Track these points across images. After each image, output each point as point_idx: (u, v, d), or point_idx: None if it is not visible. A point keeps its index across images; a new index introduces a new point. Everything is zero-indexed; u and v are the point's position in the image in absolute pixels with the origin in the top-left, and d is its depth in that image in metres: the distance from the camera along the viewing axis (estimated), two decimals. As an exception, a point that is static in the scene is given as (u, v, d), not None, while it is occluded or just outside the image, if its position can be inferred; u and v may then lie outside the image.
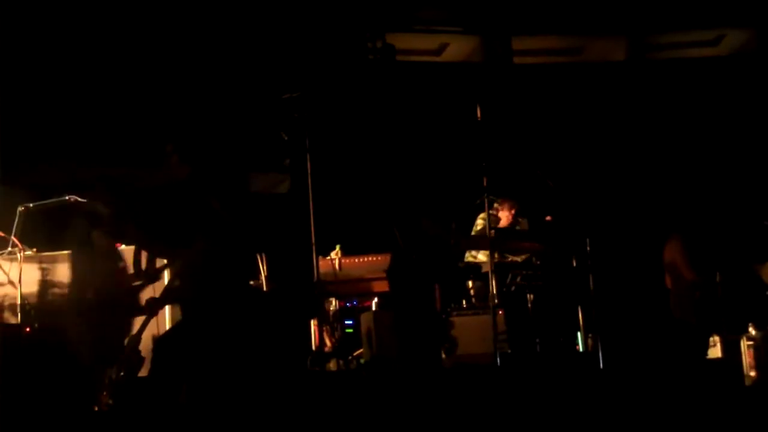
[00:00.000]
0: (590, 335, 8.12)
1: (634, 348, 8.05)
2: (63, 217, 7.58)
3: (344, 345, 7.91)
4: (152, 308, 5.85)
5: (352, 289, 8.30)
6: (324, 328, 7.70)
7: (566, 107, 10.83)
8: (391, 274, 8.28)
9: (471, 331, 7.64)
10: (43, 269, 7.24)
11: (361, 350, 7.80)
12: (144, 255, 6.11)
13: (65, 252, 7.37)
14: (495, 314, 7.10)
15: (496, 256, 8.65)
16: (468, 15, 10.90)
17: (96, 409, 5.82)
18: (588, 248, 7.57)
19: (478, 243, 8.60)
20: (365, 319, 7.75)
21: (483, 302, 8.09)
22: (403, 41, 10.66)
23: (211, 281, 5.76)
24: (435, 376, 6.48)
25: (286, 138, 7.75)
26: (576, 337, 8.34)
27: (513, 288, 8.37)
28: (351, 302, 8.29)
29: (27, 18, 9.11)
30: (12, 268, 7.14)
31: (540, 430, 5.88)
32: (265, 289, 7.92)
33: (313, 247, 7.21)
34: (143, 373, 6.64)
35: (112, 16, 9.36)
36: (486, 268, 8.56)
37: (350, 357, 7.82)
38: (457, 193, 9.97)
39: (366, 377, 6.89)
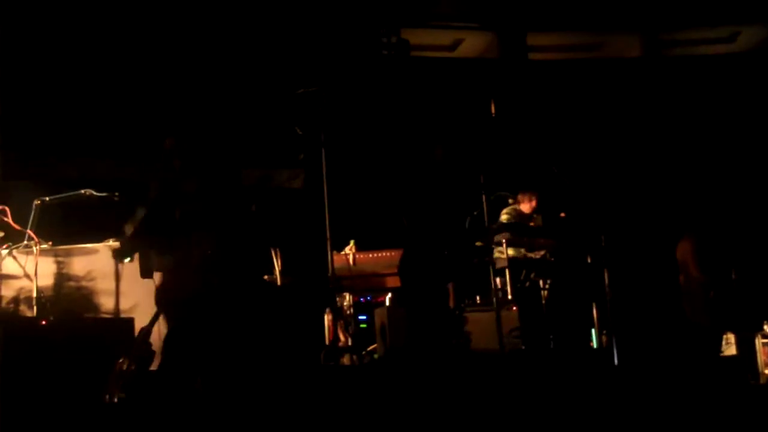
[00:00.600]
0: (604, 332, 8.11)
1: (648, 345, 8.03)
2: (79, 211, 7.62)
3: (358, 340, 7.91)
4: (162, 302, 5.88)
5: (366, 284, 8.29)
6: (338, 323, 7.69)
7: (581, 104, 10.80)
8: (402, 270, 8.28)
9: (485, 326, 7.62)
10: (58, 262, 7.26)
11: (375, 345, 7.79)
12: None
13: (80, 245, 7.41)
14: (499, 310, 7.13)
15: (522, 251, 8.71)
16: (483, 11, 10.89)
17: (107, 401, 5.83)
18: (603, 245, 7.56)
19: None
20: (379, 314, 7.74)
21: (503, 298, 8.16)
22: (417, 37, 10.66)
23: (220, 275, 5.78)
24: (447, 372, 6.47)
25: (300, 133, 7.76)
26: (590, 334, 8.33)
27: (527, 284, 8.37)
28: (365, 297, 8.28)
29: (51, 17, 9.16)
30: (28, 262, 7.16)
31: (554, 427, 5.87)
32: (279, 283, 7.92)
33: (328, 242, 7.23)
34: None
35: (129, 10, 9.39)
36: (500, 265, 8.58)
37: (364, 352, 7.82)
38: (471, 188, 9.97)
39: (379, 372, 6.89)
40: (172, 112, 9.41)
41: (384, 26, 10.37)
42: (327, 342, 7.65)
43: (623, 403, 6.15)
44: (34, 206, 7.29)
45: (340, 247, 8.30)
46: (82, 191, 7.48)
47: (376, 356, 7.69)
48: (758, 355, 8.10)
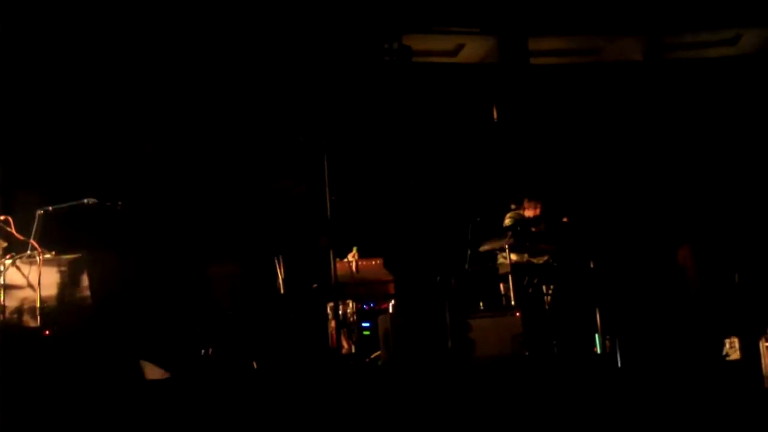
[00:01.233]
0: (608, 337, 8.10)
1: (652, 350, 8.02)
2: (82, 220, 7.63)
3: (362, 347, 7.91)
4: None
5: (369, 291, 8.30)
6: (341, 331, 7.70)
7: (583, 108, 10.80)
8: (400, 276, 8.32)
9: (488, 333, 7.62)
10: (62, 272, 7.26)
11: (379, 352, 7.79)
12: None
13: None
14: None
15: (525, 257, 8.72)
16: (484, 15, 10.88)
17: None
18: (605, 250, 7.56)
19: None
20: (382, 321, 7.74)
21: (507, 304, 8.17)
22: (419, 42, 10.66)
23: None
24: (451, 378, 6.48)
25: (302, 140, 7.77)
26: (594, 339, 8.32)
27: (530, 290, 8.37)
28: (368, 304, 8.28)
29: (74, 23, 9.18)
30: (31, 272, 7.15)
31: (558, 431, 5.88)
32: (282, 291, 7.94)
33: (331, 250, 7.23)
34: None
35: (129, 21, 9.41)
36: (503, 270, 8.58)
37: (367, 359, 7.82)
38: (474, 193, 9.99)
39: (383, 378, 6.89)
40: (172, 117, 9.45)
41: (386, 32, 10.37)
42: (330, 349, 7.66)
43: (627, 408, 6.15)
44: (36, 216, 7.29)
45: (343, 255, 8.31)
46: (85, 200, 7.48)
47: (379, 363, 7.69)
48: (762, 359, 8.07)
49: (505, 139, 10.66)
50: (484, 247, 8.67)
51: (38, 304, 6.95)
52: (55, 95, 9.20)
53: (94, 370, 6.05)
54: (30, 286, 7.15)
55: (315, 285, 8.18)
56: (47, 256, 7.21)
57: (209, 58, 9.71)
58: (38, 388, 5.91)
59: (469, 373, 6.81)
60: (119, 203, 7.60)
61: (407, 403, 5.96)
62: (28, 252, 7.16)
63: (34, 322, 7.00)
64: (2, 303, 7.08)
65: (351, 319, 8.10)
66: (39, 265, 7.04)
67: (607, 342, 8.11)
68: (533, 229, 8.93)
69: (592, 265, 8.17)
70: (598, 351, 8.22)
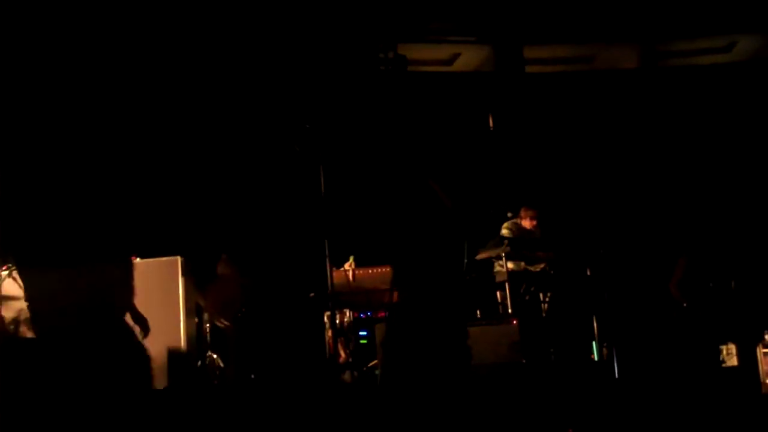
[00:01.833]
0: (605, 344, 8.11)
1: (649, 357, 8.02)
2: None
3: (358, 356, 7.90)
4: None
5: (366, 300, 8.30)
6: (338, 340, 7.70)
7: (579, 116, 10.82)
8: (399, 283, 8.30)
9: (485, 341, 7.62)
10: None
11: (376, 361, 7.78)
12: None
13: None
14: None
15: (521, 265, 8.73)
16: (479, 24, 10.90)
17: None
18: (602, 257, 7.57)
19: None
20: (379, 330, 7.73)
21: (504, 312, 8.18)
22: (414, 52, 10.66)
23: None
24: (449, 386, 6.47)
25: (298, 149, 7.77)
26: (591, 347, 8.33)
27: (527, 298, 8.38)
28: (365, 313, 8.28)
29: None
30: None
31: (556, 440, 5.87)
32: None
33: (327, 258, 7.23)
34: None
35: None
36: (500, 278, 8.59)
37: (365, 368, 7.82)
38: (471, 202, 9.98)
39: (380, 388, 6.89)
40: (167, 124, 9.46)
41: (381, 42, 10.38)
42: (327, 358, 7.66)
43: (624, 416, 6.15)
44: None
45: (340, 263, 8.31)
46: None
47: (377, 372, 7.68)
48: (760, 365, 8.08)
49: (501, 147, 10.67)
50: (481, 256, 8.69)
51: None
52: (53, 99, 9.19)
53: (92, 379, 6.03)
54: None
55: (312, 294, 8.18)
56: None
57: (204, 68, 9.72)
58: (35, 398, 5.89)
59: (466, 381, 6.82)
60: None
61: (404, 412, 5.95)
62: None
63: (31, 334, 6.97)
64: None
65: (348, 328, 8.10)
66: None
67: (605, 349, 8.12)
68: (530, 237, 8.97)
69: (588, 273, 8.18)
70: (595, 358, 8.23)
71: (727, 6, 10.66)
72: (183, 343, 7.09)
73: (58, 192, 7.08)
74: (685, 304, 8.47)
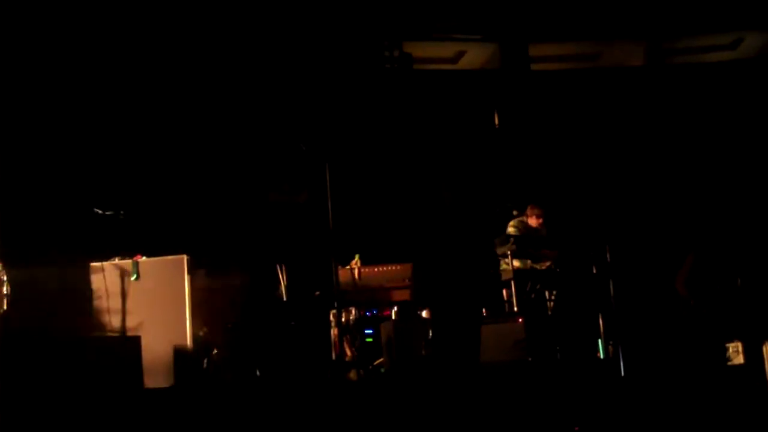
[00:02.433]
0: (611, 342, 8.10)
1: (656, 355, 8.01)
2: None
3: (364, 354, 7.91)
4: None
5: (372, 298, 8.31)
6: (344, 338, 7.70)
7: (585, 113, 10.80)
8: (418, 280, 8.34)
9: (492, 339, 7.63)
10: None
11: (381, 359, 7.79)
12: None
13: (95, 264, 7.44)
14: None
15: (527, 263, 8.73)
16: (485, 22, 10.89)
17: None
18: (608, 255, 7.57)
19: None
20: (385, 328, 7.74)
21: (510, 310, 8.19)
22: (420, 50, 10.68)
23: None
24: (454, 384, 6.48)
25: (304, 148, 7.78)
26: (597, 345, 8.32)
27: (533, 296, 8.38)
28: (371, 311, 8.28)
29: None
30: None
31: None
32: (285, 299, 7.95)
33: (332, 257, 7.24)
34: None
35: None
36: (506, 276, 8.59)
37: (370, 366, 7.83)
38: (477, 199, 10.00)
39: (385, 386, 6.90)
40: (173, 125, 9.48)
41: (386, 40, 10.39)
42: (333, 356, 7.66)
43: (630, 414, 6.15)
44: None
45: (345, 262, 8.32)
46: (94, 210, 7.50)
47: (382, 370, 7.69)
48: (766, 363, 8.06)
49: (506, 145, 10.67)
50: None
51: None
52: (55, 102, 9.22)
53: (98, 379, 6.04)
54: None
55: (317, 292, 8.19)
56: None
57: (210, 67, 9.73)
58: (42, 396, 5.90)
59: (473, 379, 6.82)
60: (121, 212, 7.62)
61: (410, 410, 5.96)
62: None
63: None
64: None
65: (353, 326, 8.10)
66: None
67: (610, 347, 8.11)
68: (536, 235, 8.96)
69: (594, 271, 8.17)
70: (601, 356, 8.22)
71: (732, 3, 10.64)
72: (189, 341, 7.09)
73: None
74: (692, 302, 8.45)
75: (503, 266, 8.77)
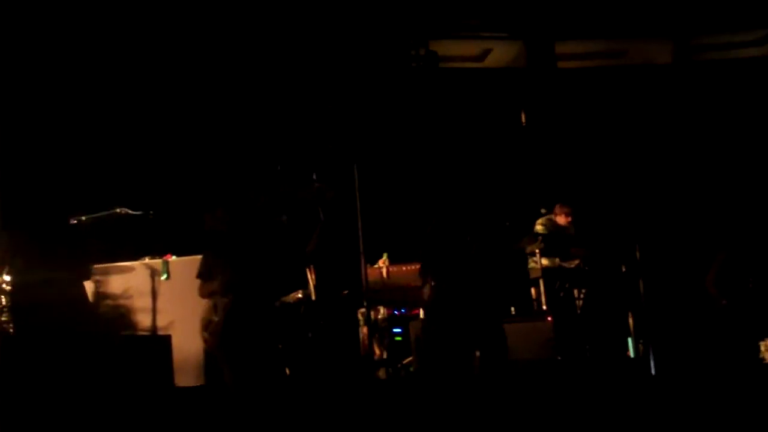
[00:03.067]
0: (641, 341, 8.06)
1: (686, 353, 7.97)
2: (114, 230, 7.68)
3: (393, 353, 7.91)
4: None
5: (400, 297, 8.30)
6: (373, 337, 7.71)
7: (612, 111, 10.75)
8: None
9: (520, 338, 7.60)
10: (96, 281, 7.31)
11: (411, 358, 7.79)
12: None
13: (117, 264, 7.47)
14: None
15: (556, 261, 8.71)
16: (511, 20, 10.87)
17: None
18: (637, 253, 7.53)
19: None
20: (414, 327, 7.74)
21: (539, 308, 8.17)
22: (446, 48, 10.66)
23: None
24: (484, 383, 6.46)
25: (331, 148, 7.80)
26: (626, 343, 8.28)
27: (562, 294, 8.35)
28: (399, 310, 8.28)
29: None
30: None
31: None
32: (313, 298, 7.96)
33: (361, 256, 7.24)
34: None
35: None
36: (534, 275, 8.57)
37: (399, 365, 7.83)
38: (504, 198, 9.97)
39: (415, 384, 6.90)
40: (201, 124, 9.52)
41: (412, 39, 10.39)
42: (362, 355, 7.68)
43: (660, 413, 6.12)
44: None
45: (374, 261, 8.32)
46: (117, 210, 7.54)
47: (411, 369, 7.69)
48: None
49: (533, 143, 10.64)
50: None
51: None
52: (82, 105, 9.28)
53: (129, 377, 6.08)
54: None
55: (346, 291, 8.19)
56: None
57: (239, 67, 9.77)
58: (73, 393, 5.94)
59: (501, 378, 6.81)
60: (151, 212, 7.66)
61: (439, 409, 5.96)
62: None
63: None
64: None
65: (382, 325, 8.10)
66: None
67: (640, 346, 8.08)
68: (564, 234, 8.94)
69: (623, 269, 8.14)
70: (631, 355, 8.19)
71: (760, -1, 10.58)
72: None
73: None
74: (723, 302, 8.38)
75: (531, 264, 8.75)
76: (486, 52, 11.13)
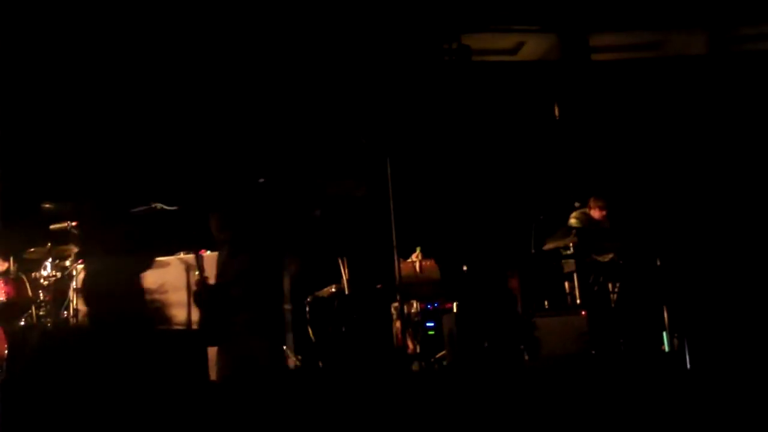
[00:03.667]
0: (676, 335, 8.00)
1: (723, 348, 7.89)
2: (149, 225, 7.74)
3: (426, 347, 7.92)
4: None
5: (434, 291, 8.31)
6: (406, 331, 7.73)
7: (647, 104, 10.66)
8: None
9: (554, 332, 7.58)
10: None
11: (444, 352, 7.79)
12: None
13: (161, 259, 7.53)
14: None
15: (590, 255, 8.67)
16: (544, 13, 10.80)
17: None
18: (673, 247, 7.47)
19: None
20: (447, 321, 7.74)
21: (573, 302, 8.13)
22: (478, 41, 10.63)
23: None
24: (517, 378, 6.46)
25: (364, 142, 7.81)
26: (661, 337, 8.22)
27: (596, 288, 8.31)
28: (432, 304, 8.28)
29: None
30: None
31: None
32: (347, 292, 7.99)
33: (395, 250, 7.26)
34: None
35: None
36: (568, 269, 8.53)
37: (432, 359, 7.83)
38: (537, 192, 9.95)
39: (448, 378, 6.90)
40: (235, 118, 9.57)
41: (445, 32, 10.37)
42: (395, 349, 7.69)
43: (696, 408, 6.06)
44: (105, 221, 7.41)
45: (407, 255, 8.33)
46: (153, 205, 7.60)
47: (444, 363, 7.70)
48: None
49: (567, 136, 10.58)
50: (549, 246, 8.64)
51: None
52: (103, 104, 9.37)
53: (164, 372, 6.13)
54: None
55: (379, 285, 8.21)
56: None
57: (271, 62, 9.80)
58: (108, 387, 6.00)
59: (535, 373, 6.79)
60: (185, 207, 7.71)
61: (473, 403, 5.95)
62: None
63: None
64: (75, 307, 7.23)
65: (415, 319, 8.12)
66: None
67: (675, 340, 8.01)
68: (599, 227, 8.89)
69: (658, 263, 8.07)
70: (666, 349, 8.13)
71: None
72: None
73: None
74: None
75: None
76: (519, 45, 11.08)
